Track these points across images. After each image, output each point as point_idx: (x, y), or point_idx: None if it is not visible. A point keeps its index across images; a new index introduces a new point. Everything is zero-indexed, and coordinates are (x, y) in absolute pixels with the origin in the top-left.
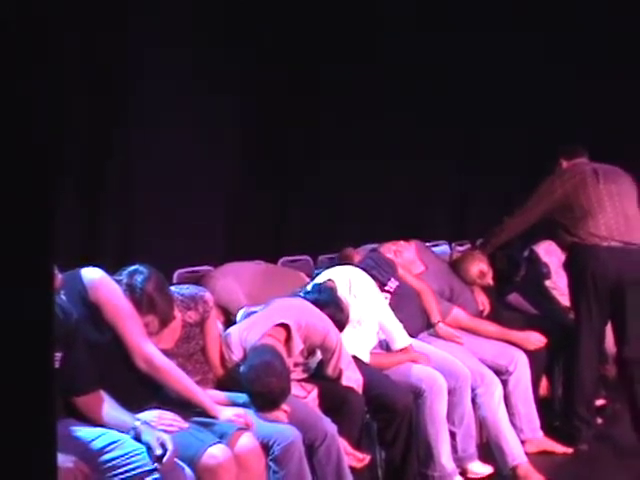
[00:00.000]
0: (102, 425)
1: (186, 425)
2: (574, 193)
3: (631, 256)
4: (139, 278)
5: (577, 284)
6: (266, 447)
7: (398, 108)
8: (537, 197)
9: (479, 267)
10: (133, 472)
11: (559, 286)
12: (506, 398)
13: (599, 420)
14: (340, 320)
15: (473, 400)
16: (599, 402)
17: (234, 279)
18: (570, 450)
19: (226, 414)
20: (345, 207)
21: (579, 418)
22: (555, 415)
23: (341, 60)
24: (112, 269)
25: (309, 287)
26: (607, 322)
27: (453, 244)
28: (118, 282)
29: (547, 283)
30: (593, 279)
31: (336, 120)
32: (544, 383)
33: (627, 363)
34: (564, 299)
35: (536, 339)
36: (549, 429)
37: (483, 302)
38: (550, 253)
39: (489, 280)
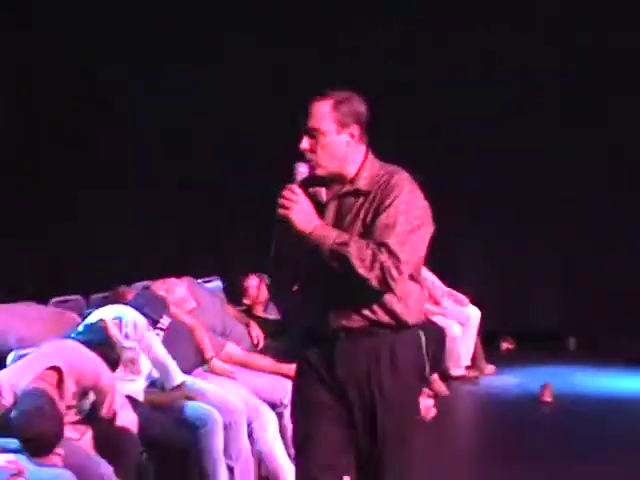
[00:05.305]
0: None
1: None
2: None
3: None
4: None
5: None
6: None
7: None
8: None
9: None
10: None
11: None
12: (282, 431)
13: None
14: (112, 360)
15: (250, 434)
16: None
17: (3, 322)
18: None
19: None
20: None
21: None
22: None
23: None
24: None
25: (80, 328)
26: None
27: None
28: None
29: None
30: None
31: None
32: None
33: None
34: None
35: None
36: None
37: (257, 336)
38: None
39: None
